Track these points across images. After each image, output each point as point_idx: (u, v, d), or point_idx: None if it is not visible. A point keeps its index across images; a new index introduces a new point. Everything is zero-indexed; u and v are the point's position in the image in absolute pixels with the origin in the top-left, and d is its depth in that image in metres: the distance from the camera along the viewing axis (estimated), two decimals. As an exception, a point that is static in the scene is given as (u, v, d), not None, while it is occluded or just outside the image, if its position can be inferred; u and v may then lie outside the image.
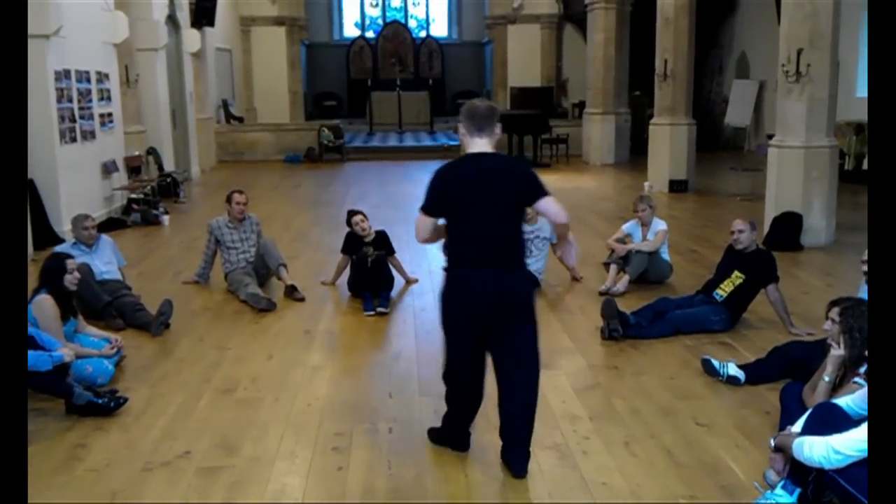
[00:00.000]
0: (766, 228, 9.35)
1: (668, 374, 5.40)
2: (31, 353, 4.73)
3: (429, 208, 3.95)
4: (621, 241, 7.65)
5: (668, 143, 13.79)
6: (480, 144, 3.95)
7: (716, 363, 5.26)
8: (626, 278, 7.32)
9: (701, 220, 11.24)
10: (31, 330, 5.11)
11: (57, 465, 4.26)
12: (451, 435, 4.31)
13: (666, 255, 7.66)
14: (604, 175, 16.63)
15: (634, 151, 18.23)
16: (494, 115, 4.00)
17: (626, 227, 7.81)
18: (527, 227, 7.40)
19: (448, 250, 3.96)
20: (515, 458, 4.05)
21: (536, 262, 7.48)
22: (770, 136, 10.12)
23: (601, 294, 7.12)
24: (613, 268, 7.47)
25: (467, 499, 3.88)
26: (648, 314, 6.23)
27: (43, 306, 5.34)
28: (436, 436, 4.39)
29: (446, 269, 3.96)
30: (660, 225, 7.62)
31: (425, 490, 3.96)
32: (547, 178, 13.68)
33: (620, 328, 6.02)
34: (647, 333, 6.07)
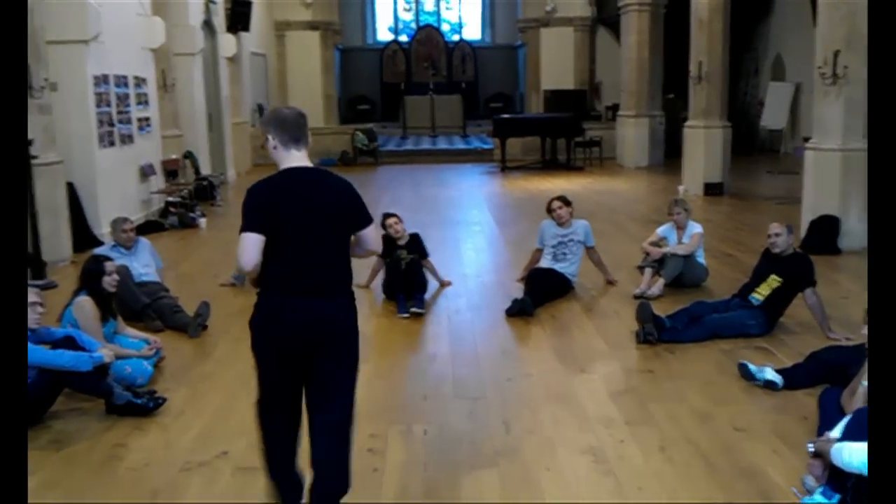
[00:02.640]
0: (803, 232, 9.25)
1: (704, 378, 5.37)
2: (71, 353, 4.82)
3: (249, 226, 3.33)
4: (656, 244, 7.61)
5: (703, 145, 13.68)
6: (298, 157, 3.48)
7: (753, 368, 5.22)
8: (661, 282, 7.28)
9: (736, 223, 11.14)
10: (71, 331, 5.21)
11: (97, 465, 4.32)
12: (275, 476, 3.67)
13: (702, 259, 7.61)
14: (637, 178, 16.55)
15: (668, 154, 18.11)
16: (307, 124, 3.57)
17: (660, 230, 7.77)
18: (561, 231, 7.46)
19: (262, 272, 3.41)
20: None
21: (570, 265, 7.48)
22: (806, 139, 10.01)
23: (636, 298, 7.09)
24: (648, 271, 7.44)
25: (502, 500, 3.89)
26: (684, 318, 6.20)
27: (83, 308, 5.43)
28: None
29: (258, 293, 3.49)
30: (695, 228, 7.57)
31: (460, 492, 3.97)
32: (580, 182, 13.70)
33: (655, 332, 5.99)
34: (683, 337, 6.03)
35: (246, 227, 3.34)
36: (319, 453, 3.54)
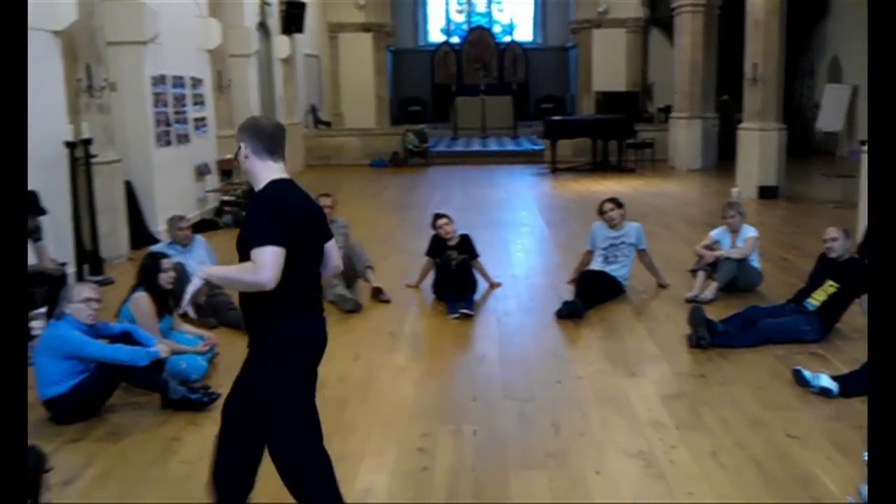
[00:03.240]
0: (860, 237, 9.07)
1: (757, 383, 5.30)
2: (128, 348, 4.93)
3: (278, 238, 3.09)
4: (709, 247, 7.53)
5: (758, 148, 13.48)
6: (276, 169, 3.29)
7: (807, 374, 5.14)
8: (714, 286, 7.20)
9: (791, 227, 10.97)
10: (128, 326, 5.33)
11: (152, 458, 4.41)
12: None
13: (756, 263, 7.50)
14: (690, 180, 16.37)
15: (722, 157, 17.87)
16: (284, 135, 3.39)
17: (714, 233, 7.69)
18: (612, 233, 7.42)
19: (293, 291, 3.19)
20: None
21: (622, 267, 7.43)
22: (863, 142, 9.81)
23: (688, 301, 7.02)
24: (701, 275, 7.36)
25: (552, 500, 3.88)
26: (737, 323, 6.13)
27: (140, 304, 5.55)
28: None
29: (282, 313, 3.22)
30: (750, 231, 7.47)
31: (509, 493, 3.98)
32: (632, 184, 13.63)
33: (708, 336, 5.93)
34: (736, 342, 5.96)
35: (269, 241, 3.08)
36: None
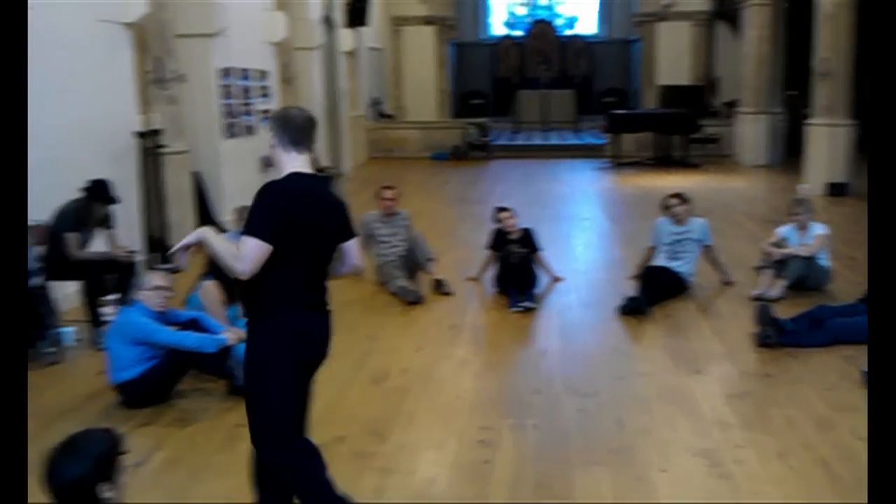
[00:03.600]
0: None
1: (825, 384, 5.19)
2: (197, 335, 5.03)
3: (267, 233, 3.10)
4: (777, 245, 7.39)
5: (826, 144, 13.18)
6: (300, 161, 3.30)
7: (878, 375, 5.02)
8: (781, 284, 7.06)
9: (860, 225, 10.66)
10: (197, 313, 5.43)
11: (218, 444, 4.50)
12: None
13: (825, 261, 7.34)
14: (756, 176, 16.08)
15: (789, 153, 17.52)
16: (314, 128, 3.39)
17: (781, 230, 7.54)
18: (677, 228, 7.34)
19: (270, 287, 3.19)
20: None
21: (686, 264, 7.34)
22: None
23: (754, 299, 6.90)
24: (768, 272, 7.22)
25: (614, 499, 3.87)
26: (806, 322, 6.01)
27: (209, 292, 5.66)
28: None
29: (272, 310, 3.23)
30: (819, 229, 7.31)
31: (572, 488, 3.96)
32: (695, 179, 13.40)
33: (775, 335, 5.82)
34: (804, 342, 5.84)
35: (257, 233, 3.09)
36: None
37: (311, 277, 3.31)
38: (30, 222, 5.92)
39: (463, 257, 8.78)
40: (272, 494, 3.46)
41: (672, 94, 22.27)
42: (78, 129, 7.27)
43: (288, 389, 3.31)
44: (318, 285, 3.35)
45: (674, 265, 7.31)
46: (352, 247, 3.44)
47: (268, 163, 12.12)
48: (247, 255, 3.08)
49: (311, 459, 3.40)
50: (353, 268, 3.56)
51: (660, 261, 7.42)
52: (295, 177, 3.26)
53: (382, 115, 21.47)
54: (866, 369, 5.15)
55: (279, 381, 3.27)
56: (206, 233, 3.30)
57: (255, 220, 3.12)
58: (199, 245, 3.31)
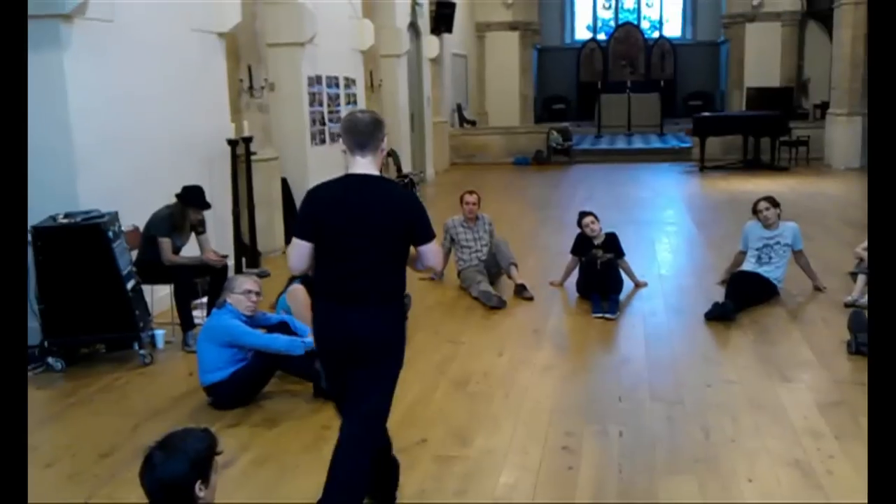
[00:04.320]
0: None
1: (923, 394, 5.01)
2: (286, 338, 5.14)
3: (299, 232, 3.43)
4: (871, 250, 7.16)
5: (925, 146, 12.69)
6: (362, 164, 3.43)
7: (981, 386, 4.82)
8: (875, 290, 6.84)
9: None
10: (285, 317, 5.55)
11: (305, 444, 4.57)
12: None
13: (922, 267, 7.08)
14: (849, 180, 15.58)
15: (885, 155, 16.94)
16: (378, 130, 3.47)
17: (876, 235, 7.30)
18: (767, 233, 7.18)
19: (316, 278, 3.51)
20: None
21: (776, 269, 7.17)
22: None
23: (847, 305, 6.69)
24: (861, 278, 6.99)
25: (700, 508, 3.81)
26: (902, 330, 5.81)
27: (296, 296, 5.76)
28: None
29: (315, 300, 3.56)
30: (916, 234, 7.06)
31: (656, 496, 3.91)
32: (785, 183, 13.03)
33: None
34: (900, 350, 5.65)
35: (297, 234, 3.44)
36: (338, 465, 3.49)
37: (343, 270, 3.40)
38: (125, 227, 6.16)
39: (545, 262, 8.76)
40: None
41: (760, 96, 21.81)
42: (173, 137, 7.50)
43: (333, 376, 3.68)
44: (353, 278, 3.40)
45: (763, 270, 7.14)
46: (425, 249, 3.52)
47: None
48: (289, 252, 3.51)
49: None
50: (425, 267, 3.67)
51: (749, 266, 7.26)
52: (344, 178, 3.47)
53: (465, 121, 21.55)
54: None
55: (328, 368, 3.68)
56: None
57: (296, 221, 3.51)
58: None
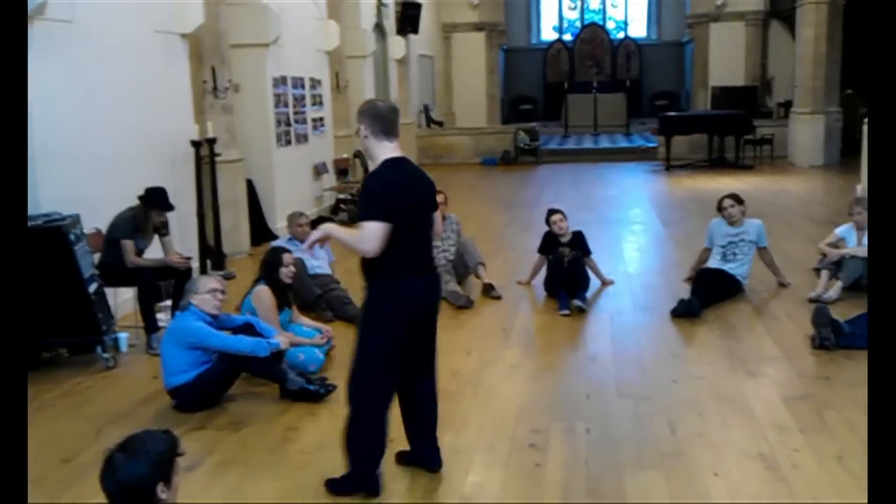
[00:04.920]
0: None
1: (886, 387, 5.07)
2: (251, 339, 5.09)
3: (381, 215, 3.58)
4: (834, 245, 7.25)
5: (887, 143, 12.88)
6: (391, 148, 3.74)
7: (941, 378, 4.89)
8: (838, 285, 6.92)
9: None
10: (250, 318, 5.49)
11: (271, 446, 4.54)
12: (366, 477, 3.92)
13: (884, 262, 7.17)
14: (812, 177, 15.78)
15: (845, 153, 17.18)
16: (398, 116, 3.86)
17: (839, 231, 7.40)
18: (732, 230, 7.24)
19: (395, 256, 3.65)
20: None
21: (741, 265, 7.23)
22: None
23: (811, 301, 6.77)
24: (825, 274, 7.09)
25: (668, 501, 3.81)
26: (864, 323, 5.86)
27: (261, 296, 5.72)
28: (341, 486, 3.94)
29: (388, 275, 3.71)
30: (878, 230, 7.15)
31: (624, 492, 3.92)
32: (750, 181, 13.20)
33: (833, 337, 5.71)
34: (863, 343, 5.66)
35: (376, 216, 3.57)
36: (432, 403, 4.08)
37: (417, 245, 3.80)
38: (87, 229, 6.08)
39: (512, 261, 8.77)
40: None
41: (725, 95, 22.01)
42: (135, 138, 7.42)
43: (399, 344, 3.82)
44: (422, 251, 3.85)
45: (728, 267, 7.20)
46: (436, 214, 3.93)
47: (321, 170, 12.30)
48: (370, 236, 3.58)
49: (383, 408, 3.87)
50: (434, 233, 4.04)
51: (714, 263, 7.32)
52: (391, 162, 3.72)
53: (432, 122, 21.54)
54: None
55: (396, 339, 3.79)
56: (330, 226, 3.89)
57: (370, 205, 3.62)
58: (326, 237, 3.87)
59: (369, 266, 3.73)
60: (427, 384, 4.05)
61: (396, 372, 3.87)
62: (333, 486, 3.94)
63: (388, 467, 4.18)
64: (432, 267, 3.95)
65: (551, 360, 5.96)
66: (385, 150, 3.74)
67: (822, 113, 17.30)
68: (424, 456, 4.12)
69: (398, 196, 3.64)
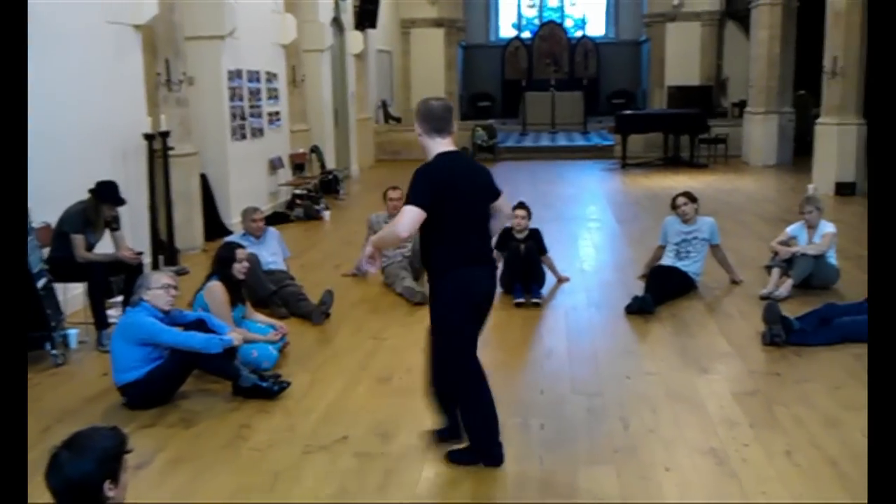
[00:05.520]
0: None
1: (833, 383, 5.16)
2: (203, 335, 5.02)
3: (422, 203, 3.80)
4: (785, 243, 7.36)
5: (836, 143, 13.14)
6: (444, 144, 3.97)
7: (887, 374, 4.98)
8: (789, 282, 7.03)
9: (871, 225, 10.63)
10: (202, 314, 5.42)
11: (223, 444, 4.48)
12: (484, 450, 4.15)
13: (833, 260, 7.31)
14: (765, 176, 16.02)
15: (798, 153, 17.48)
16: (451, 115, 4.04)
17: (790, 229, 7.51)
18: (685, 228, 7.31)
19: (442, 252, 3.95)
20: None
21: (694, 263, 7.31)
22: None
23: (762, 298, 6.87)
24: (776, 271, 7.19)
25: (620, 499, 3.84)
26: (814, 320, 5.98)
27: (214, 292, 5.65)
28: (462, 457, 4.17)
29: (445, 266, 3.95)
30: (827, 227, 7.28)
31: (577, 488, 3.94)
32: (704, 179, 13.34)
33: (783, 334, 5.79)
34: (812, 340, 5.81)
35: (416, 202, 3.79)
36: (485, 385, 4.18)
37: (472, 236, 3.99)
38: (36, 223, 5.96)
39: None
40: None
41: (681, 94, 22.25)
42: (86, 131, 7.29)
43: (470, 325, 4.04)
44: (479, 242, 4.04)
45: (681, 264, 7.28)
46: (501, 201, 4.16)
47: (276, 165, 12.21)
48: (405, 218, 3.81)
49: (479, 385, 4.10)
50: (502, 221, 4.33)
51: (668, 260, 7.39)
52: (442, 156, 3.94)
53: (390, 118, 21.48)
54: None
55: (465, 320, 3.98)
56: (372, 239, 4.22)
57: (412, 192, 3.84)
58: (376, 250, 4.20)
59: (434, 259, 3.99)
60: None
61: (475, 356, 4.09)
62: (455, 457, 4.15)
63: (341, 464, 4.17)
64: (491, 259, 4.17)
65: (506, 357, 5.96)
66: (438, 146, 3.96)
67: (776, 113, 17.57)
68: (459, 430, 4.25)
69: (444, 186, 3.83)
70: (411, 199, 3.81)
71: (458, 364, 4.04)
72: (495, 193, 4.12)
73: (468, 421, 4.12)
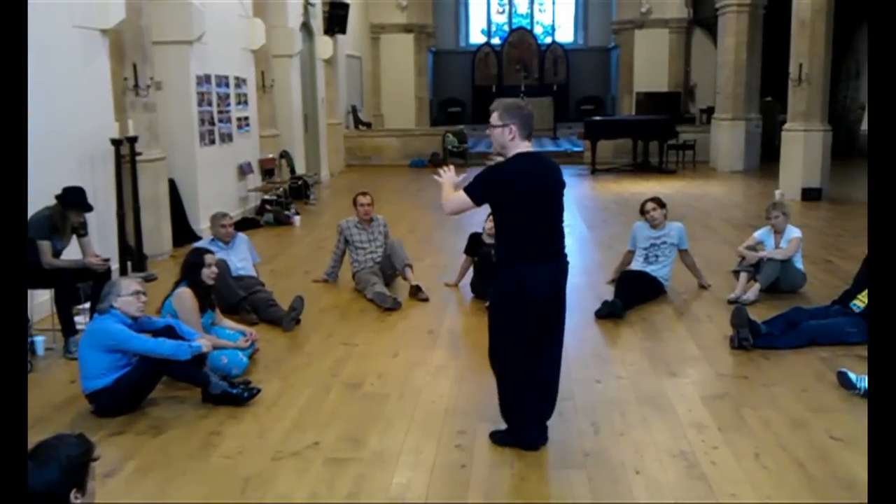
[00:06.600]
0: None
1: (800, 385, 5.22)
2: (171, 342, 4.98)
3: (477, 195, 4.15)
4: (752, 248, 7.44)
5: (802, 149, 13.31)
6: (525, 146, 4.20)
7: (853, 376, 5.05)
8: (756, 287, 7.11)
9: (836, 229, 10.80)
10: (171, 321, 5.37)
11: (192, 451, 4.45)
12: (519, 435, 4.38)
13: (799, 264, 7.40)
14: (732, 182, 16.19)
15: (764, 158, 17.69)
16: (533, 119, 4.32)
17: (757, 234, 7.60)
18: (654, 233, 7.37)
19: (509, 247, 4.18)
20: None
21: (663, 267, 7.37)
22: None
23: (730, 302, 6.94)
24: (743, 276, 7.27)
25: (591, 499, 3.86)
26: (781, 324, 6.05)
27: (182, 298, 5.60)
28: (501, 438, 4.44)
29: (507, 263, 4.18)
30: (794, 232, 7.37)
31: (548, 492, 3.96)
32: (673, 185, 13.45)
33: (751, 337, 5.85)
34: (780, 344, 5.88)
35: (468, 191, 4.15)
36: (553, 375, 4.44)
37: (538, 234, 4.16)
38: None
39: (441, 263, 8.78)
40: None
41: (649, 100, 22.44)
42: (52, 136, 7.20)
43: (522, 324, 4.19)
44: (545, 239, 4.20)
45: (650, 269, 7.34)
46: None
47: (245, 170, 12.14)
48: (453, 201, 4.25)
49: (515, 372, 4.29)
50: None
51: (637, 265, 7.45)
52: (521, 156, 4.17)
53: (360, 123, 21.45)
54: (842, 370, 5.18)
55: (518, 319, 4.17)
56: (451, 175, 4.42)
57: (472, 183, 4.17)
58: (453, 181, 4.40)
59: (498, 252, 4.26)
60: (552, 354, 4.39)
61: (522, 348, 4.22)
62: (497, 437, 4.40)
63: (312, 470, 4.15)
64: (559, 256, 4.28)
65: (478, 362, 5.94)
66: (520, 147, 4.18)
67: (743, 119, 17.78)
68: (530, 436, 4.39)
69: (509, 183, 4.09)
70: (468, 188, 4.16)
71: (498, 353, 4.32)
72: (563, 187, 4.32)
73: (501, 406, 4.40)
